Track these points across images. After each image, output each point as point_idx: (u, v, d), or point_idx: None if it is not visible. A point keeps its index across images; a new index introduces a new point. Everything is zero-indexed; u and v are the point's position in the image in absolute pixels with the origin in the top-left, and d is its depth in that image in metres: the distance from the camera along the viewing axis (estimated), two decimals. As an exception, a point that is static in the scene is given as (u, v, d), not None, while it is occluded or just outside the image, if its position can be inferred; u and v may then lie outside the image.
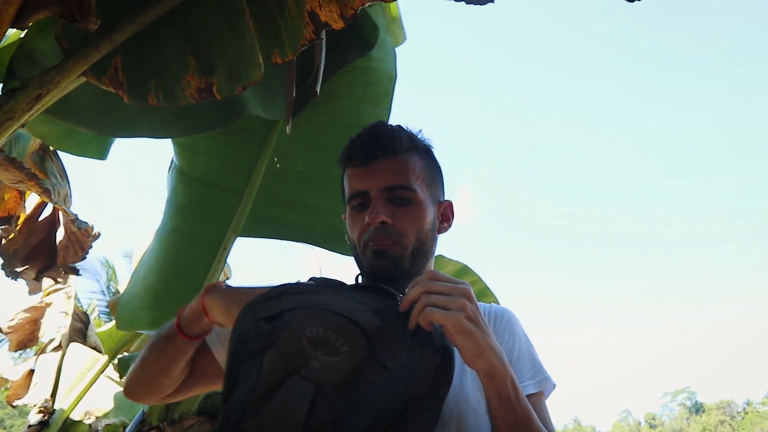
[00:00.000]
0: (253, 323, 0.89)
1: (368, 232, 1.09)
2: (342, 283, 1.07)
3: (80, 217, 2.83)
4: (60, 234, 3.03)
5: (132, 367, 1.20)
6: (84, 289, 8.24)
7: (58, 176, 2.83)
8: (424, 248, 1.12)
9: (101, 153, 2.71)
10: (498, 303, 2.88)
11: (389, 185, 1.12)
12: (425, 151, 1.20)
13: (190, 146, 2.66)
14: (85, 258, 3.08)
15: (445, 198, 1.24)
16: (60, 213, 3.02)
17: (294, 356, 0.82)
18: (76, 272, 3.15)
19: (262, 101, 2.28)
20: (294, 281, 1.02)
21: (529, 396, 1.01)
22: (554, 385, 1.14)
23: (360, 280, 1.17)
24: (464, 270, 2.88)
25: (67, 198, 2.85)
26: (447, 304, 0.85)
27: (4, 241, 2.99)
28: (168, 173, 2.81)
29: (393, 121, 2.40)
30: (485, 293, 2.85)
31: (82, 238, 3.02)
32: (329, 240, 2.65)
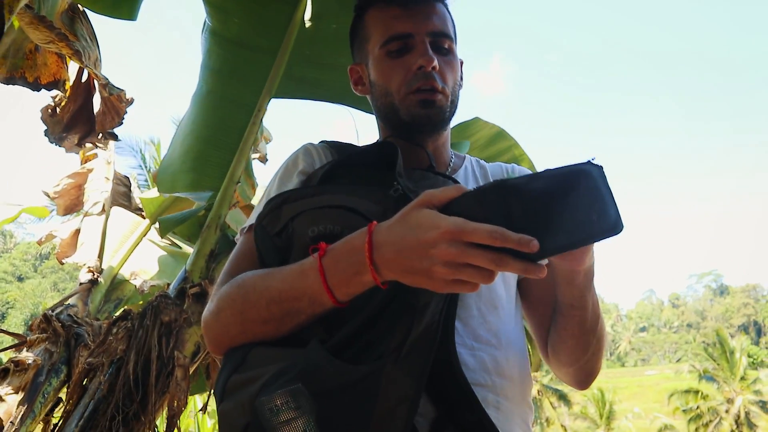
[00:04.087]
0: (268, 241, 0.92)
1: (415, 77, 1.03)
2: (351, 153, 1.07)
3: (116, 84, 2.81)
4: (96, 100, 3.03)
5: (218, 318, 0.89)
6: (125, 165, 8.43)
7: (88, 39, 2.77)
8: (456, 104, 1.09)
9: (131, 12, 2.62)
10: (533, 167, 2.85)
11: (437, 30, 1.06)
12: (447, 5, 1.13)
13: (222, 6, 2.55)
14: (122, 123, 3.08)
15: None
16: (94, 79, 2.99)
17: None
18: (116, 137, 3.17)
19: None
20: (292, 188, 1.02)
21: None
22: None
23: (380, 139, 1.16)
24: (500, 134, 2.82)
25: (97, 62, 2.80)
26: None
27: (57, 109, 3.00)
28: (201, 35, 2.73)
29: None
30: (523, 158, 2.81)
31: (117, 103, 3.01)
32: (363, 100, 2.59)
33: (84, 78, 3.08)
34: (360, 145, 1.16)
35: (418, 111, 1.03)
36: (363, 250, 0.74)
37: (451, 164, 1.16)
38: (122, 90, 2.90)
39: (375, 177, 0.96)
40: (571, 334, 0.98)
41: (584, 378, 1.05)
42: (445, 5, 1.11)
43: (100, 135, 3.13)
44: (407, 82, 1.03)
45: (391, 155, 0.96)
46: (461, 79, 1.13)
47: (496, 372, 0.94)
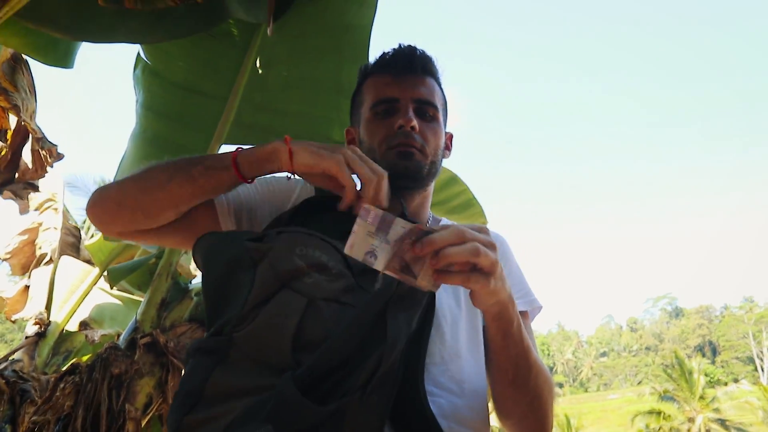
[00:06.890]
0: (241, 243, 0.88)
1: (396, 135, 1.11)
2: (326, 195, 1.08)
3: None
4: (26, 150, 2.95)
5: (118, 182, 1.09)
6: (78, 207, 8.21)
7: (27, 90, 2.72)
8: (436, 165, 1.16)
9: (66, 60, 2.57)
10: (482, 211, 2.89)
11: (421, 98, 1.16)
12: (440, 83, 1.24)
13: (165, 49, 2.53)
14: (44, 176, 3.02)
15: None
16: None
17: (287, 270, 0.82)
18: (36, 189, 3.10)
19: (244, 3, 2.18)
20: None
21: None
22: (540, 307, 1.20)
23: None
24: (453, 179, 2.84)
25: (33, 114, 2.76)
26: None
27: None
28: (134, 73, 2.66)
29: (378, 22, 2.33)
30: (472, 203, 2.84)
31: (45, 156, 2.95)
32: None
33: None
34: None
35: (395, 161, 1.10)
36: (284, 143, 0.98)
37: (429, 224, 1.20)
38: (55, 145, 2.84)
39: (343, 219, 0.99)
40: (500, 381, 1.00)
41: None
42: (438, 81, 1.21)
43: (21, 185, 3.06)
44: (388, 140, 1.12)
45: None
46: (447, 149, 1.22)
47: (454, 419, 0.94)
